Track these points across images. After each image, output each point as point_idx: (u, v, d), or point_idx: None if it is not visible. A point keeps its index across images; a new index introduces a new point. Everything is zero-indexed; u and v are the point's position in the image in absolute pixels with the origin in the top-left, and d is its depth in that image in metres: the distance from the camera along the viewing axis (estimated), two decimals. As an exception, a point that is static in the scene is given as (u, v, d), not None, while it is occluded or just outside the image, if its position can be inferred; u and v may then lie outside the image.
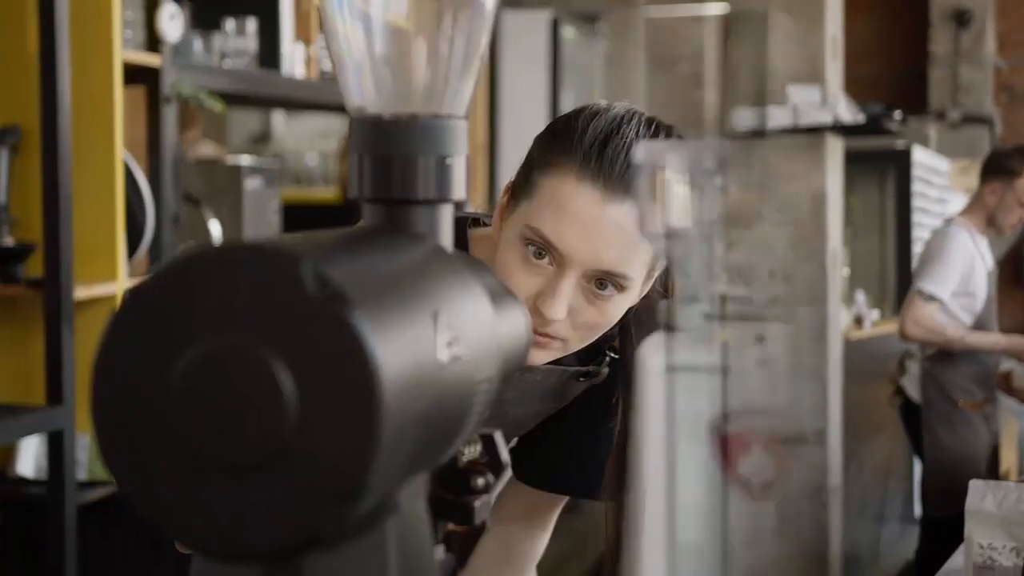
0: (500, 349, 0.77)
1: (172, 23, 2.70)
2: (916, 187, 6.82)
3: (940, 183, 7.29)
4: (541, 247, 1.25)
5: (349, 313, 0.59)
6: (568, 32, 5.09)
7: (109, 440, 0.62)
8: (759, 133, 4.85)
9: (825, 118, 5.03)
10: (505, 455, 0.86)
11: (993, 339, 4.53)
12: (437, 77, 0.78)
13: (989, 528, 1.95)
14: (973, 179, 7.99)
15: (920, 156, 6.90)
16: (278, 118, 5.67)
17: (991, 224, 4.47)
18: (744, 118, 5.01)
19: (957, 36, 8.42)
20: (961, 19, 8.24)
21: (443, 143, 0.77)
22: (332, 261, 0.62)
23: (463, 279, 0.75)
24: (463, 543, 1.27)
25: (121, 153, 2.56)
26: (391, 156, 0.76)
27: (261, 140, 5.69)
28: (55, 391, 2.37)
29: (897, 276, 6.82)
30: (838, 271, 5.48)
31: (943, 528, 4.33)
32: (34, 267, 2.40)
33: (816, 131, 5.01)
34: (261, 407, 0.59)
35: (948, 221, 4.68)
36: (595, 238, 1.23)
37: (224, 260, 0.61)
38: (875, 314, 5.86)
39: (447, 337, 0.68)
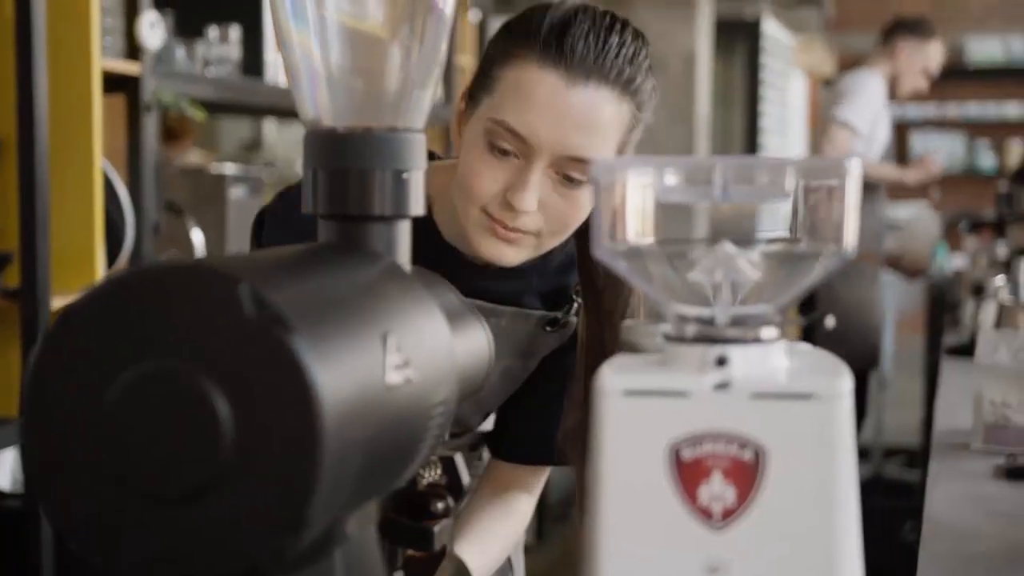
0: (457, 370, 0.75)
1: (153, 31, 2.68)
2: (764, 60, 6.87)
3: (785, 59, 7.39)
4: (506, 141, 1.24)
5: (288, 336, 0.57)
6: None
7: (38, 465, 0.60)
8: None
9: None
10: (466, 477, 0.84)
11: (900, 172, 4.64)
12: (394, 88, 0.76)
13: (1002, 382, 1.79)
14: (814, 57, 8.13)
15: (769, 29, 6.93)
16: (269, 126, 5.64)
17: (891, 84, 4.52)
18: None
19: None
20: None
21: (400, 157, 0.74)
22: (273, 282, 0.60)
23: (418, 299, 0.72)
24: (423, 570, 1.24)
25: (100, 162, 2.53)
26: (346, 170, 0.73)
27: (252, 148, 5.66)
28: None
29: (744, 149, 6.90)
30: (706, 139, 5.53)
31: None
32: (11, 277, 2.37)
33: None
34: (196, 434, 0.57)
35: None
36: (561, 123, 1.23)
37: (161, 280, 0.59)
38: None
39: (397, 359, 0.65)
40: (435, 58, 0.77)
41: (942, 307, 4.40)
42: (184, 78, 2.91)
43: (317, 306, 0.61)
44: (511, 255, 1.28)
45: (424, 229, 1.29)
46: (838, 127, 4.35)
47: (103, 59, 2.57)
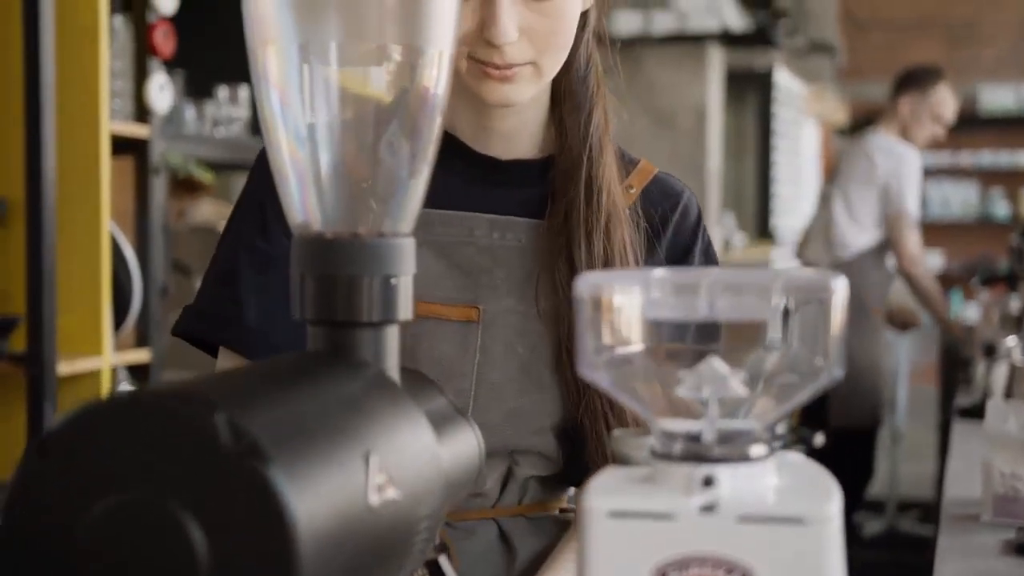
0: (444, 479, 0.74)
1: (162, 93, 2.69)
2: (775, 110, 6.90)
3: (797, 108, 7.43)
4: None
5: (264, 467, 0.56)
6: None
7: (15, 596, 0.59)
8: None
9: (711, 24, 5.09)
10: (455, 580, 0.82)
11: (945, 307, 4.63)
12: (383, 191, 0.75)
13: (1012, 453, 1.74)
14: (827, 106, 8.16)
15: (781, 79, 6.96)
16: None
17: (904, 138, 4.52)
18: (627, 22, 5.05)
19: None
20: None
21: (388, 262, 0.74)
22: (251, 407, 0.59)
23: (404, 410, 0.71)
24: None
25: (107, 225, 2.54)
26: (334, 276, 0.73)
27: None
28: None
29: (756, 199, 6.88)
30: (717, 191, 5.50)
31: (846, 439, 4.36)
32: (17, 341, 2.37)
33: (700, 39, 5.07)
34: (172, 566, 0.56)
35: (858, 134, 4.82)
36: None
37: (137, 408, 0.58)
38: (740, 237, 5.95)
39: (380, 479, 0.64)
40: (428, 147, 0.76)
41: (954, 363, 4.37)
42: (193, 140, 2.92)
43: (296, 430, 0.60)
44: (514, 93, 1.21)
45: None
46: (911, 224, 4.38)
47: (112, 122, 2.58)
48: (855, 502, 4.58)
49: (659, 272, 0.68)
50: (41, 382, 2.31)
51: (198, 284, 2.99)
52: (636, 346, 0.67)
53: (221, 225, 3.47)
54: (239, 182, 5.33)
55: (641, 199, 1.33)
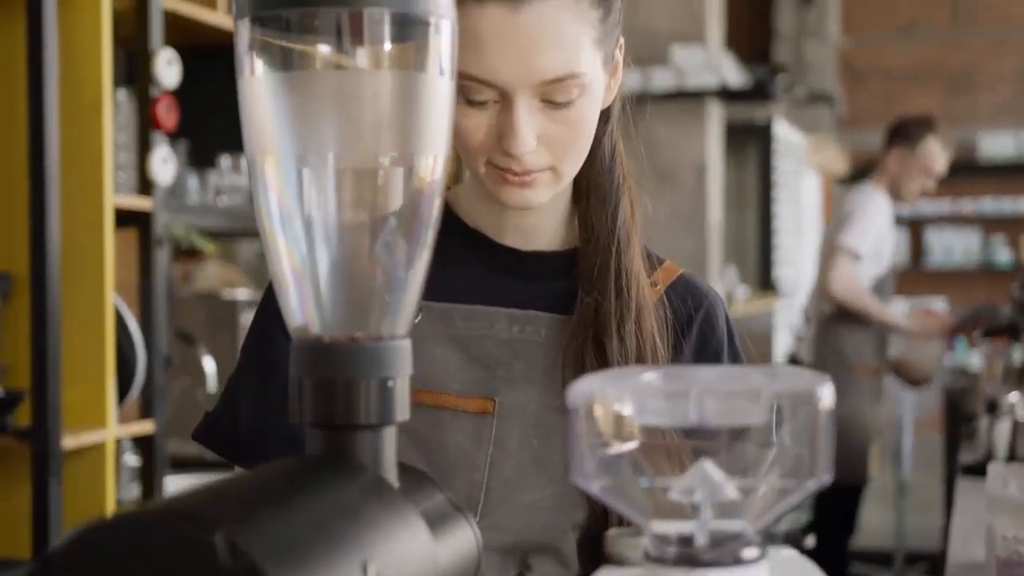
0: (443, 578, 0.75)
1: (164, 166, 2.71)
2: (776, 161, 6.93)
3: (797, 158, 7.47)
4: (476, 91, 1.15)
5: (264, 586, 0.57)
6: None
7: None
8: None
9: (709, 80, 5.15)
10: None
11: (903, 319, 4.61)
12: (380, 293, 0.77)
13: (1014, 517, 1.72)
14: (827, 156, 8.23)
15: (781, 131, 6.99)
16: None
17: (895, 191, 4.53)
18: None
19: (801, 14, 8.52)
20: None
21: (386, 365, 0.75)
22: (249, 524, 0.60)
23: (401, 514, 0.72)
24: None
25: (111, 298, 2.55)
26: (332, 380, 0.74)
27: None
28: (41, 545, 2.33)
29: (758, 251, 6.89)
30: (718, 245, 5.52)
31: (830, 495, 4.33)
32: (22, 416, 2.38)
33: (698, 96, 5.16)
34: None
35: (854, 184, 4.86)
36: (517, 53, 1.14)
37: (138, 527, 0.59)
38: (743, 290, 5.97)
39: (377, 588, 0.65)
40: (426, 238, 0.77)
41: (957, 417, 4.36)
42: (196, 210, 2.95)
43: (294, 544, 0.61)
44: (534, 197, 1.21)
45: (455, 227, 1.17)
46: (843, 254, 4.38)
47: (116, 195, 2.60)
48: (839, 557, 4.56)
49: (649, 377, 0.69)
50: (46, 457, 2.31)
51: (201, 352, 3.01)
52: (627, 449, 0.68)
53: (226, 292, 3.49)
54: (241, 249, 5.37)
55: (666, 296, 1.32)
